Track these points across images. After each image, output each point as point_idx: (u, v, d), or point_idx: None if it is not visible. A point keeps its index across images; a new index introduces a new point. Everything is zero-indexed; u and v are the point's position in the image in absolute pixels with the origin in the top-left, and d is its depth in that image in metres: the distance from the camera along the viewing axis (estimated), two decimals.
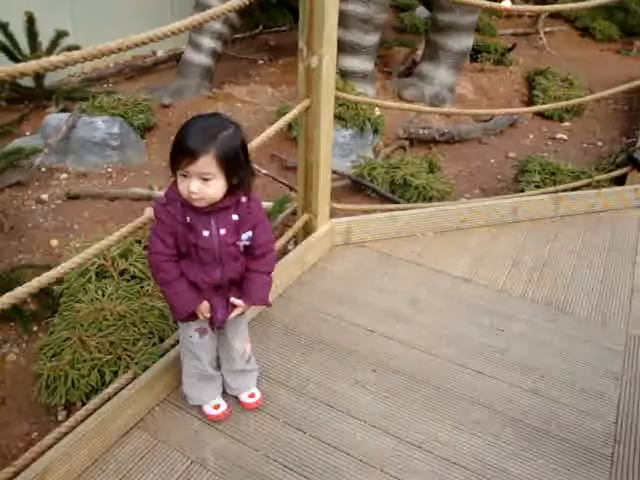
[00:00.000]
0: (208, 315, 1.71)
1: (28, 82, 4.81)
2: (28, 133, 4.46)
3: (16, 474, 1.66)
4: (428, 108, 4.03)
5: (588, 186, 3.39)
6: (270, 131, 2.42)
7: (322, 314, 2.43)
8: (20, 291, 1.56)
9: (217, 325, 1.75)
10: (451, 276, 2.71)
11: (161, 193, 3.57)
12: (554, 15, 7.54)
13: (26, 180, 3.76)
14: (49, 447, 1.74)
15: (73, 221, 3.31)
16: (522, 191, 3.44)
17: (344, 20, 3.90)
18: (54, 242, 3.11)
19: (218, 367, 1.94)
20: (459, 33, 4.83)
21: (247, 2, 1.98)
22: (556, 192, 3.28)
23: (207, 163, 1.49)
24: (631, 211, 3.28)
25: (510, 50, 6.10)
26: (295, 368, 2.14)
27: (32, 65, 1.38)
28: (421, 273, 2.73)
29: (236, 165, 1.55)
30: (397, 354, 2.23)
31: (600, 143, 4.69)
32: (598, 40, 7.23)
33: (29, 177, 3.81)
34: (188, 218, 1.59)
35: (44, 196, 3.60)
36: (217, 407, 1.93)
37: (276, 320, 2.37)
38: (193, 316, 1.72)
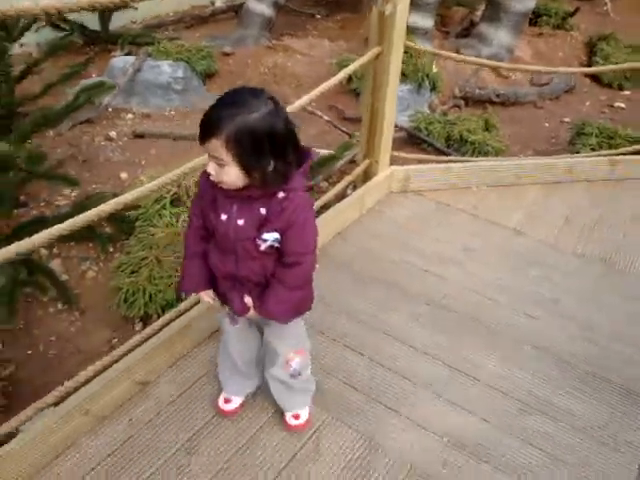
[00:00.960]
0: (208, 301, 1.59)
1: (94, 26, 4.97)
2: (94, 75, 4.62)
3: (104, 369, 1.85)
4: (492, 62, 4.01)
5: None
6: (336, 79, 2.50)
7: (377, 254, 2.54)
8: (96, 211, 1.65)
9: (239, 316, 1.59)
10: (505, 228, 2.80)
11: None
12: None
13: (95, 118, 3.94)
14: (130, 350, 1.93)
15: (140, 157, 3.48)
16: (578, 152, 3.46)
17: None
18: (124, 175, 3.29)
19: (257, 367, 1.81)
20: None
21: None
22: (613, 155, 3.29)
23: (217, 147, 1.27)
24: None
25: (572, 15, 5.97)
26: (350, 300, 2.27)
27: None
28: (475, 224, 2.82)
29: (255, 154, 1.28)
30: (449, 294, 2.35)
31: None
32: None
33: (97, 116, 3.99)
34: (216, 194, 1.42)
35: (112, 133, 3.78)
36: (228, 401, 1.82)
37: (333, 257, 2.50)
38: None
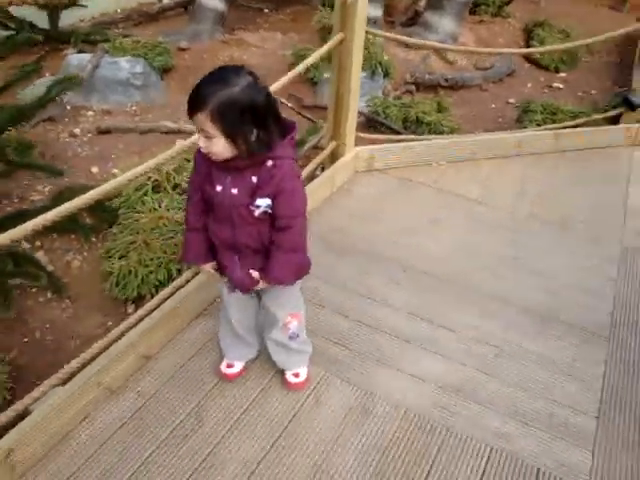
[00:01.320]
0: (209, 270, 1.71)
1: (44, 24, 4.91)
2: (47, 74, 4.58)
3: (108, 345, 1.94)
4: (448, 46, 4.26)
5: (586, 125, 3.68)
6: (302, 66, 2.64)
7: (350, 229, 2.70)
8: (80, 200, 1.70)
9: (237, 288, 1.71)
10: (466, 199, 3.01)
11: (191, 126, 3.80)
12: None
13: (56, 116, 3.94)
14: (130, 327, 2.02)
15: (110, 151, 3.52)
16: (525, 128, 3.72)
17: None
18: (94, 169, 3.33)
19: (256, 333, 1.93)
20: None
21: None
22: (557, 129, 3.56)
23: (202, 120, 1.38)
24: (623, 148, 3.59)
25: (508, 3, 6.29)
26: (333, 269, 2.42)
27: None
28: (438, 197, 3.02)
29: (239, 126, 1.40)
30: (423, 259, 2.54)
31: (594, 91, 4.98)
32: None
33: (58, 114, 3.98)
34: (210, 168, 1.53)
35: (76, 130, 3.79)
36: (230, 366, 1.93)
37: (310, 231, 2.63)
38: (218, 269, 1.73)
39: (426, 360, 2.05)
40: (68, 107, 4.14)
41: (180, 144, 2.20)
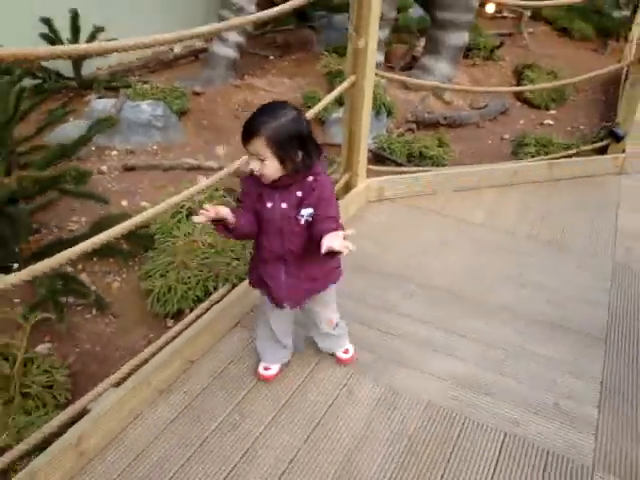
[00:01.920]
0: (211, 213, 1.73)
1: (68, 72, 5.27)
2: (72, 118, 4.90)
3: (155, 353, 2.15)
4: (458, 86, 4.61)
5: (576, 155, 3.99)
6: (321, 105, 2.94)
7: (366, 251, 2.94)
8: (119, 229, 1.87)
9: (282, 302, 1.91)
10: (471, 223, 3.27)
11: (210, 163, 4.10)
12: (535, 17, 8.20)
13: (83, 156, 4.23)
14: (174, 337, 2.24)
15: (137, 186, 3.79)
16: (521, 160, 4.01)
17: None
18: (124, 202, 3.59)
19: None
20: (457, 29, 5.42)
21: (272, 15, 2.30)
22: (550, 160, 3.86)
23: (259, 145, 1.66)
24: (611, 176, 3.88)
25: (498, 47, 6.71)
26: (353, 286, 2.65)
27: (81, 47, 1.70)
28: (445, 221, 3.29)
29: (289, 151, 1.67)
30: (434, 276, 2.78)
31: (582, 127, 5.32)
32: (576, 40, 7.91)
33: (84, 154, 4.27)
34: (261, 190, 1.79)
35: (103, 168, 4.07)
36: (267, 369, 2.14)
37: None
38: (259, 285, 1.97)
39: (443, 362, 2.27)
40: (93, 148, 4.43)
41: (212, 177, 2.46)
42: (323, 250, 1.62)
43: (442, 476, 1.83)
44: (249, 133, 1.68)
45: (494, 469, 1.86)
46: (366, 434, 1.96)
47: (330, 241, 1.62)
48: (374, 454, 1.89)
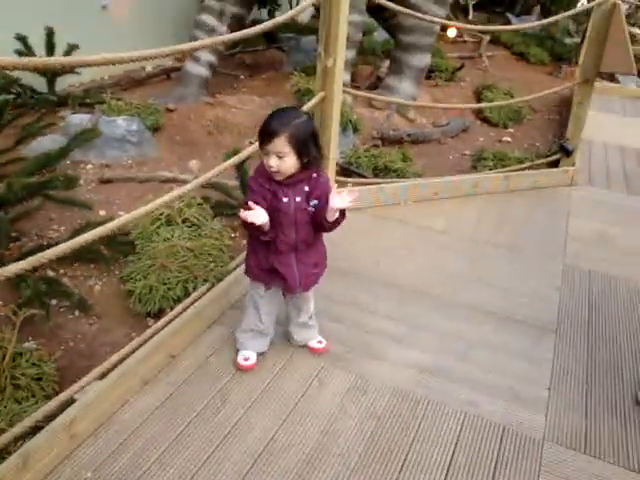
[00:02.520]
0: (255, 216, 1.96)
1: (42, 88, 5.38)
2: (47, 133, 5.00)
3: (139, 346, 2.29)
4: (422, 104, 4.88)
5: (530, 168, 4.28)
6: None
7: (335, 255, 3.10)
8: (99, 231, 1.99)
9: (293, 288, 2.16)
10: (433, 231, 3.50)
11: (185, 176, 4.25)
12: (494, 42, 8.64)
13: (59, 169, 4.33)
14: (155, 333, 2.38)
15: (114, 198, 3.91)
16: (479, 172, 4.28)
17: None
18: (102, 212, 3.70)
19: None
20: (419, 51, 5.72)
21: (243, 36, 2.46)
22: (506, 172, 4.14)
23: (279, 144, 1.91)
24: (563, 187, 4.18)
25: (459, 69, 7.07)
26: (324, 286, 2.80)
27: (61, 60, 1.78)
28: (408, 229, 3.51)
29: (306, 147, 1.94)
30: (399, 277, 2.98)
31: (538, 144, 5.65)
32: (532, 64, 8.36)
33: (59, 167, 4.37)
34: (273, 188, 2.02)
35: (80, 181, 4.18)
36: (246, 359, 2.30)
37: None
38: (264, 277, 2.18)
39: (407, 352, 2.46)
40: (68, 162, 4.53)
41: (188, 185, 2.61)
42: (336, 206, 1.97)
43: (408, 451, 2.01)
44: (270, 134, 1.93)
45: (455, 444, 2.04)
46: (338, 416, 2.13)
47: (338, 202, 1.96)
48: (346, 432, 2.06)
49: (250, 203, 1.97)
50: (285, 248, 2.11)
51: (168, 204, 2.70)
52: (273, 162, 1.95)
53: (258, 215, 1.96)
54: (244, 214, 1.95)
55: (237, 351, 2.35)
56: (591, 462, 2.00)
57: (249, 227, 2.02)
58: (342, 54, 3.21)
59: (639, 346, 2.61)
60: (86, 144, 4.59)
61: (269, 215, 2.01)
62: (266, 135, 1.94)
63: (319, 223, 2.09)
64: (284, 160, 1.94)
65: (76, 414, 1.95)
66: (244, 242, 3.35)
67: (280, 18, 2.77)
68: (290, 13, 2.87)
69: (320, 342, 2.43)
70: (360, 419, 2.12)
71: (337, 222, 2.09)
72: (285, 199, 2.03)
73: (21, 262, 1.76)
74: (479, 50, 8.34)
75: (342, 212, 2.06)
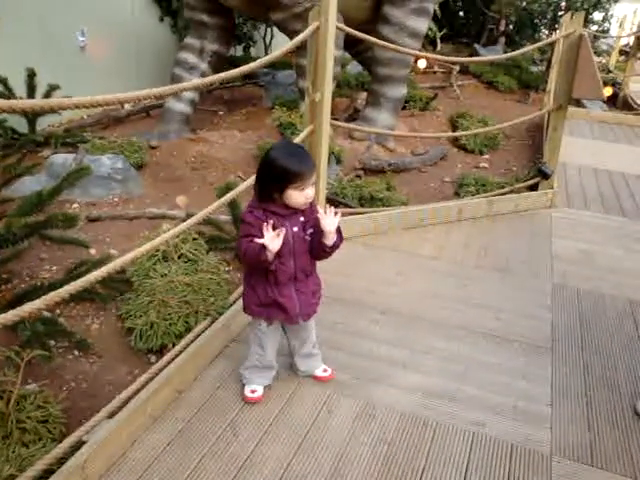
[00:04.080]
0: (273, 239, 2.00)
1: (23, 129, 5.38)
2: (32, 174, 4.98)
3: (146, 383, 2.29)
4: (408, 133, 5.02)
5: (511, 192, 4.41)
6: None
7: (330, 283, 3.17)
8: (96, 274, 1.98)
9: (296, 318, 2.19)
10: (421, 256, 3.58)
11: (173, 213, 4.27)
12: (463, 72, 8.93)
13: (45, 209, 4.31)
14: (160, 370, 2.39)
15: (103, 236, 3.91)
16: (462, 198, 4.40)
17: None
18: (92, 251, 3.70)
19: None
20: (395, 83, 5.89)
21: (221, 79, 2.50)
22: (488, 197, 4.27)
23: (314, 175, 2.08)
24: (543, 210, 4.33)
25: (432, 99, 7.28)
26: (324, 315, 2.87)
27: (39, 103, 1.66)
28: (399, 256, 3.58)
29: None
30: (396, 303, 3.04)
31: (514, 168, 5.83)
32: (501, 92, 8.66)
33: (47, 206, 4.36)
34: (270, 221, 2.03)
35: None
36: (253, 392, 2.32)
37: None
38: (265, 312, 2.20)
39: (411, 376, 2.50)
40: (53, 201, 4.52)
41: (190, 221, 2.65)
42: (328, 229, 2.06)
43: (422, 475, 2.03)
44: (313, 167, 2.07)
45: (467, 465, 2.08)
46: (350, 443, 2.15)
47: (329, 224, 2.06)
48: (359, 459, 2.08)
49: (268, 228, 2.00)
50: (285, 278, 2.15)
51: (165, 241, 2.73)
52: (312, 192, 2.07)
53: (279, 241, 2.01)
54: (267, 241, 1.99)
55: (243, 385, 2.36)
56: (599, 474, 2.05)
57: (254, 260, 2.06)
58: (329, 88, 3.32)
59: (632, 359, 2.70)
60: (73, 183, 4.62)
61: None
62: (311, 168, 2.04)
63: (319, 249, 2.15)
64: (313, 188, 2.07)
65: (88, 455, 1.94)
66: (239, 275, 3.38)
67: (270, 57, 2.86)
68: (279, 52, 2.95)
69: (325, 370, 2.46)
70: (372, 445, 2.14)
71: (336, 246, 2.16)
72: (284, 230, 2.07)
73: (19, 309, 1.71)
74: (450, 80, 8.61)
75: (339, 235, 2.14)
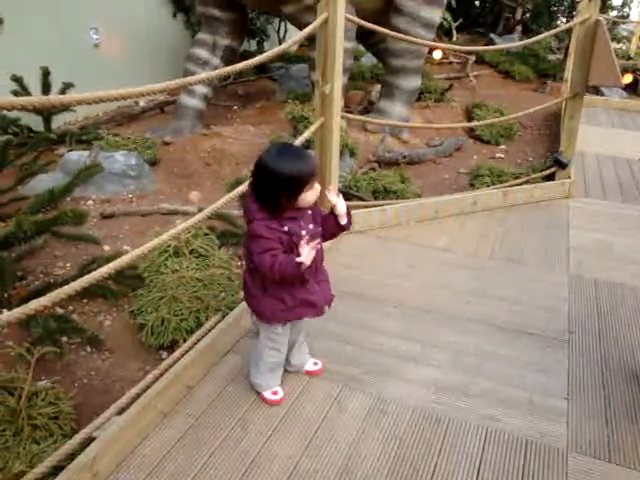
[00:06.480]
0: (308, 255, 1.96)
1: (39, 127, 5.42)
2: (46, 171, 5.02)
3: (156, 379, 2.28)
4: (422, 125, 4.96)
5: (527, 183, 4.33)
6: (298, 142, 3.18)
7: (344, 277, 3.15)
8: (108, 268, 1.97)
9: (323, 306, 2.20)
10: (435, 248, 3.53)
11: (186, 208, 4.27)
12: (479, 61, 8.80)
13: (60, 205, 4.34)
14: (170, 366, 2.38)
15: (117, 232, 3.93)
16: (478, 189, 4.33)
17: None
18: (106, 247, 3.72)
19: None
20: (409, 74, 5.82)
21: (234, 71, 2.53)
22: (504, 188, 4.19)
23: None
24: (560, 200, 4.24)
25: (448, 90, 7.19)
26: (336, 309, 2.83)
27: (58, 98, 1.68)
28: (412, 248, 3.54)
29: None
30: (407, 296, 3.00)
31: (531, 158, 5.74)
32: (518, 81, 8.53)
33: (61, 203, 4.39)
34: (286, 227, 2.00)
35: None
36: (275, 393, 2.29)
37: None
38: (292, 315, 2.16)
39: (423, 370, 2.46)
40: (68, 198, 4.54)
41: (198, 216, 2.64)
42: (339, 210, 2.14)
43: (434, 471, 2.00)
44: (314, 158, 2.11)
45: (480, 460, 2.04)
46: (361, 438, 2.12)
47: (340, 206, 2.14)
48: (370, 455, 2.05)
49: (302, 243, 1.95)
50: (309, 276, 2.12)
51: (175, 236, 2.72)
52: (318, 191, 2.07)
53: (313, 252, 1.98)
54: (308, 260, 1.94)
55: (257, 393, 2.33)
56: (617, 470, 2.00)
57: (293, 277, 2.02)
58: (339, 80, 3.28)
59: None
60: (85, 180, 4.65)
61: (289, 251, 2.01)
62: (315, 161, 2.06)
63: (335, 232, 2.22)
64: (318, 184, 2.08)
65: (97, 451, 1.94)
66: None
67: (278, 49, 2.83)
68: (287, 44, 2.92)
69: (316, 364, 2.44)
70: (383, 441, 2.11)
71: (350, 223, 2.22)
72: (303, 231, 2.04)
73: (32, 303, 1.73)
74: (466, 70, 8.50)
75: (349, 215, 2.20)
